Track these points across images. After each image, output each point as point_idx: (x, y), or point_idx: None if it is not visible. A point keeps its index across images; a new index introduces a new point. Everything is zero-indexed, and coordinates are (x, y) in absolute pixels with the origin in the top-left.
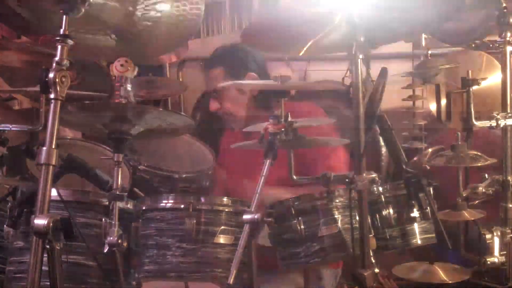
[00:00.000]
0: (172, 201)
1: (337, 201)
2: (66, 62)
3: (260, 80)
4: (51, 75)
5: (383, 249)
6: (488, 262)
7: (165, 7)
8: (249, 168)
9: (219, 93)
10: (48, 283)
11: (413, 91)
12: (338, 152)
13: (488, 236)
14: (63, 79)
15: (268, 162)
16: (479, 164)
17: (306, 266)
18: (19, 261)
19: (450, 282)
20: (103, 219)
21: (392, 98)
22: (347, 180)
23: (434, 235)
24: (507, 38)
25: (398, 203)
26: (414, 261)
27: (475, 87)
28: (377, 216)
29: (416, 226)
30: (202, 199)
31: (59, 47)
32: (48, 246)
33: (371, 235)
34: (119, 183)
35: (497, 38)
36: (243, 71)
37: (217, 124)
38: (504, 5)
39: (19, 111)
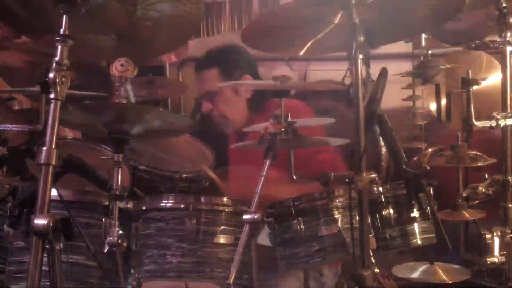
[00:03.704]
0: (172, 201)
1: (337, 201)
2: (66, 62)
3: (259, 81)
4: (51, 75)
5: (383, 249)
6: (488, 262)
7: (165, 7)
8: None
9: (213, 95)
10: (48, 283)
11: (413, 91)
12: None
13: (488, 236)
14: (63, 79)
15: (268, 162)
16: (479, 164)
17: (306, 266)
18: (19, 261)
19: (450, 282)
20: (103, 219)
21: (392, 98)
22: (347, 180)
23: (434, 235)
24: (507, 38)
25: (398, 203)
26: (414, 261)
27: (475, 87)
28: (377, 216)
29: (416, 226)
30: (202, 199)
31: (59, 47)
32: (48, 246)
33: (371, 235)
34: (119, 183)
35: (497, 38)
36: (237, 72)
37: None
38: (504, 5)
39: (19, 111)
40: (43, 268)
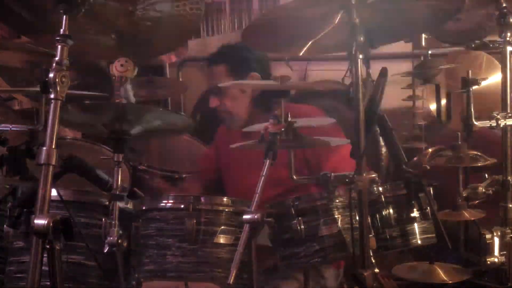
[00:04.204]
0: (172, 201)
1: (337, 201)
2: (66, 62)
3: (261, 80)
4: (51, 75)
5: (383, 249)
6: (488, 262)
7: (165, 7)
8: (248, 165)
9: (220, 90)
10: (48, 283)
11: (413, 91)
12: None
13: (488, 236)
14: (63, 79)
15: (268, 162)
16: (479, 164)
17: (306, 266)
18: (19, 261)
19: (450, 282)
20: (103, 219)
21: (392, 98)
22: (347, 180)
23: (434, 235)
24: (507, 38)
25: (398, 203)
26: (414, 261)
27: (475, 87)
28: (377, 216)
29: (416, 226)
30: (202, 199)
31: (59, 47)
32: (48, 246)
33: (371, 235)
34: (119, 183)
35: (497, 38)
36: (246, 71)
37: (217, 123)
38: (504, 5)
39: (19, 111)
40: (43, 268)
